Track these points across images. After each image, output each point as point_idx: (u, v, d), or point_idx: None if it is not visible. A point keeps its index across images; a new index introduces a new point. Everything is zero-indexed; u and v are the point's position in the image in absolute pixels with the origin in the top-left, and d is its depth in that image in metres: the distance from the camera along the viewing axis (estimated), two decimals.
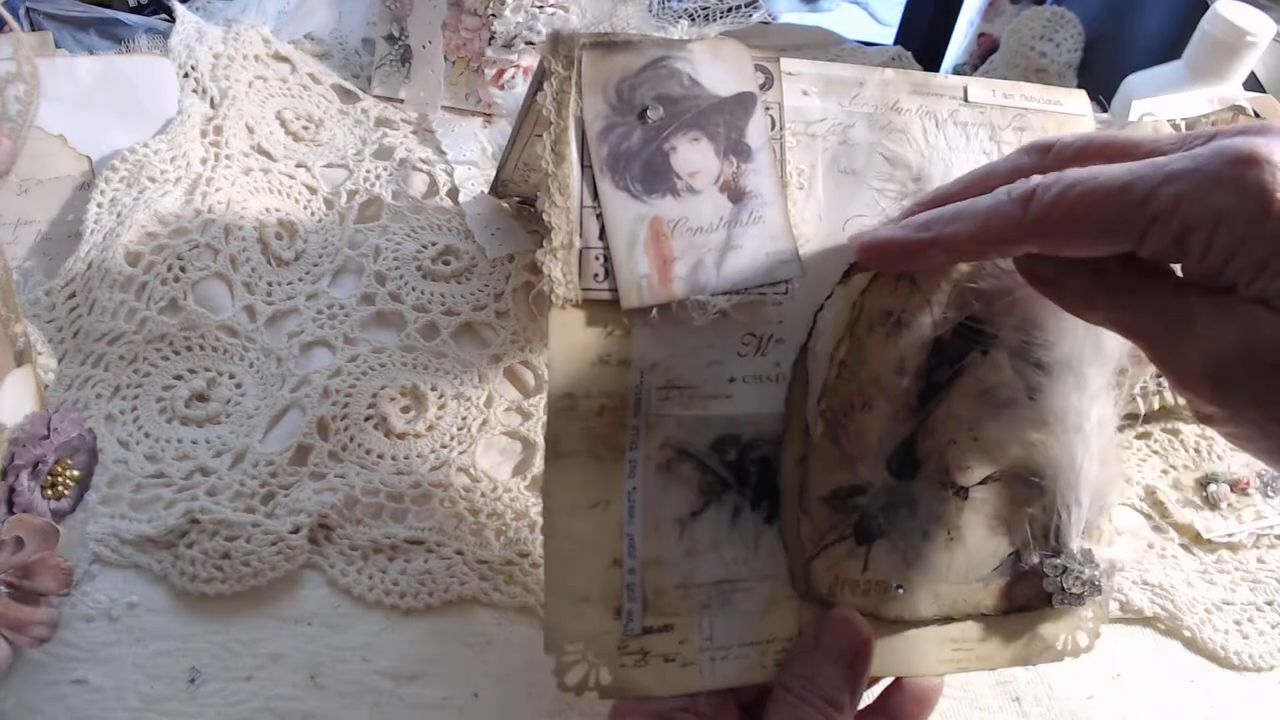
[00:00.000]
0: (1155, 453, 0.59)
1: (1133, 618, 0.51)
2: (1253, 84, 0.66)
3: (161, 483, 0.47)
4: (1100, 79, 0.69)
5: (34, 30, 0.66)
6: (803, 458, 0.37)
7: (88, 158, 0.58)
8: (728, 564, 0.37)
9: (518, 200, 0.60)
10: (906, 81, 0.41)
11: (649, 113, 0.36)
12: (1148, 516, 0.55)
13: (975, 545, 0.39)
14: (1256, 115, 0.56)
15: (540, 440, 0.51)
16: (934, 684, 0.39)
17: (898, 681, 0.39)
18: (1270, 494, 0.57)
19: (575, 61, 0.36)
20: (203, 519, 0.44)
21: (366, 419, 0.50)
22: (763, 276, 0.37)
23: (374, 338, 0.54)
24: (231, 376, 0.51)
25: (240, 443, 0.48)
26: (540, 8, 0.67)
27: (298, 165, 0.63)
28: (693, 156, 0.37)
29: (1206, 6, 0.62)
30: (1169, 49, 0.70)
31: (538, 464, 0.51)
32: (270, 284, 0.55)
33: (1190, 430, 0.60)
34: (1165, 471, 0.58)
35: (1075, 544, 0.39)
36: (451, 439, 0.51)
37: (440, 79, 0.69)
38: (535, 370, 0.55)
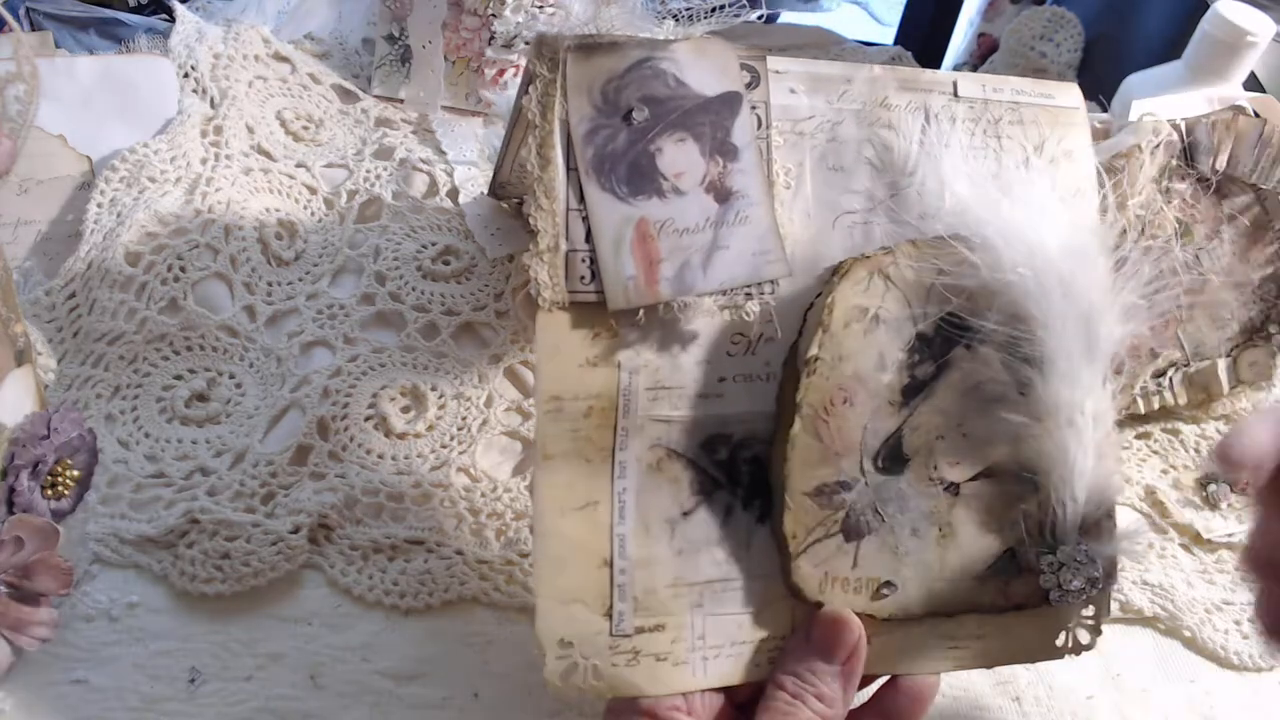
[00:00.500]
0: (1155, 453, 0.59)
1: (1133, 618, 0.51)
2: (1253, 84, 0.66)
3: (161, 483, 0.47)
4: (1100, 79, 0.69)
5: (34, 30, 0.66)
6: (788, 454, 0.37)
7: (88, 158, 0.58)
8: (720, 563, 0.37)
9: (517, 201, 0.61)
10: (895, 78, 0.41)
11: (634, 114, 0.36)
12: (1148, 516, 0.55)
13: (968, 542, 0.39)
14: (1256, 115, 0.56)
15: None
16: (929, 682, 0.39)
17: (893, 680, 0.39)
18: None
19: (560, 64, 0.36)
20: (203, 519, 0.44)
21: (366, 419, 0.50)
22: (750, 276, 0.37)
23: (374, 338, 0.54)
24: (231, 376, 0.51)
25: (240, 443, 0.49)
26: (540, 8, 0.67)
27: (298, 165, 0.63)
28: (678, 157, 0.37)
29: (1206, 6, 0.61)
30: (1169, 49, 0.70)
31: None
32: (270, 284, 0.56)
33: (1190, 430, 0.60)
34: (1165, 471, 0.58)
35: (1072, 541, 0.39)
36: (451, 439, 0.51)
37: (440, 79, 0.69)
38: (534, 370, 0.55)
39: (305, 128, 0.65)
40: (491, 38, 0.68)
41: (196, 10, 0.71)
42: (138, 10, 0.72)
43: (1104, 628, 0.41)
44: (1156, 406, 0.59)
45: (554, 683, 0.35)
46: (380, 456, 0.49)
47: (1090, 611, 0.41)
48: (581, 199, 0.36)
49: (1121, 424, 0.58)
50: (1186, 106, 0.61)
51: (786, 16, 0.90)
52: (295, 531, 0.45)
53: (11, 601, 0.39)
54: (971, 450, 0.39)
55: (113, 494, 0.46)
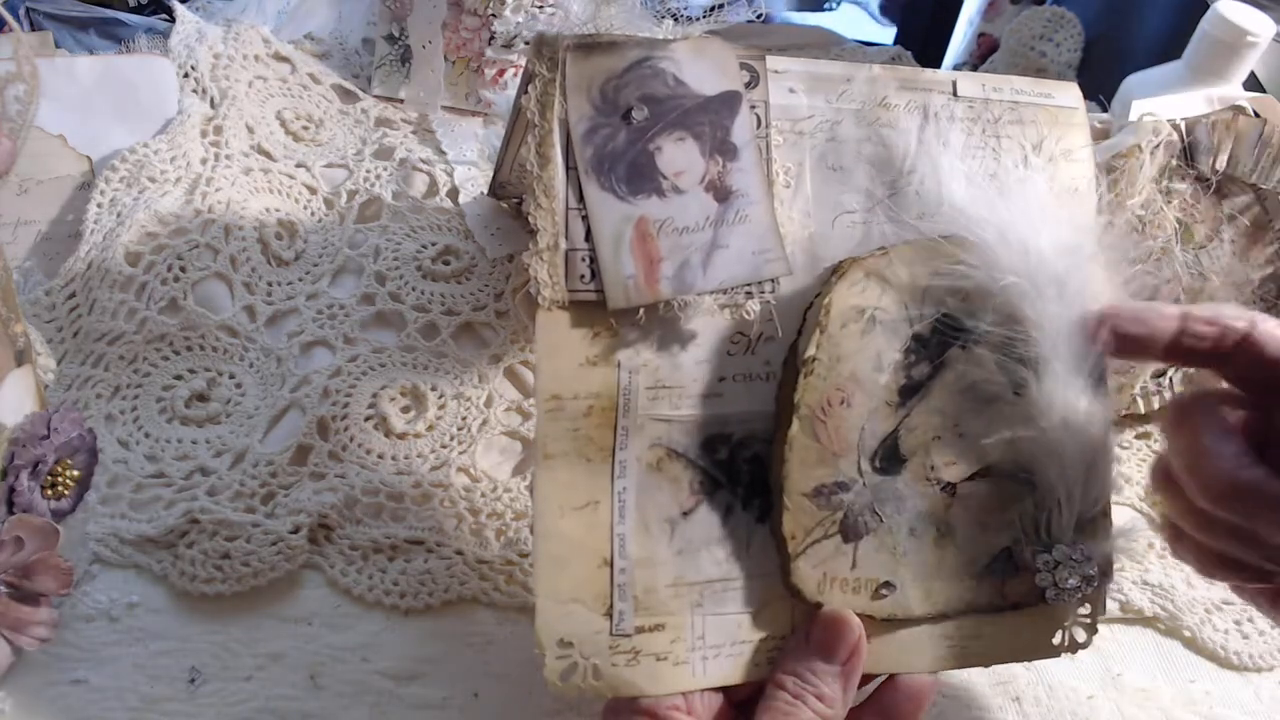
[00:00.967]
0: (1155, 453, 0.59)
1: (1133, 618, 0.51)
2: (1253, 84, 0.66)
3: (161, 483, 0.47)
4: (1100, 79, 0.69)
5: (34, 30, 0.66)
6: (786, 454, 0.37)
7: (88, 158, 0.58)
8: (720, 563, 0.37)
9: (516, 201, 0.61)
10: (894, 77, 0.41)
11: (634, 113, 0.36)
12: (1148, 516, 0.55)
13: (966, 542, 0.39)
14: (1256, 115, 0.56)
15: None
16: (928, 682, 0.39)
17: (891, 679, 0.39)
18: None
19: (560, 63, 0.36)
20: (203, 519, 0.44)
21: (366, 419, 0.50)
22: (750, 275, 0.37)
23: (374, 338, 0.54)
24: (231, 376, 0.51)
25: (240, 443, 0.49)
26: (540, 8, 0.67)
27: (298, 165, 0.63)
28: (678, 156, 0.37)
29: (1206, 6, 0.61)
30: (1169, 49, 0.69)
31: None
32: (270, 284, 0.56)
33: None
34: None
35: (1068, 539, 0.39)
36: (451, 439, 0.51)
37: (440, 79, 0.69)
38: (534, 370, 0.55)
39: (305, 128, 0.65)
40: (491, 38, 0.68)
41: (196, 10, 0.71)
42: (138, 10, 0.72)
43: (1104, 628, 0.41)
44: (1156, 406, 0.59)
45: (554, 682, 0.35)
46: (380, 456, 0.49)
47: (1086, 610, 0.41)
48: (581, 198, 0.36)
49: (1121, 424, 0.58)
50: (1186, 106, 0.61)
51: (787, 17, 0.90)
52: (295, 531, 0.45)
53: (11, 601, 0.39)
54: (968, 450, 0.39)
55: (113, 494, 0.46)
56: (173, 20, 0.67)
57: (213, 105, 0.63)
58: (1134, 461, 0.58)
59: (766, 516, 0.38)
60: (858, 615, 0.37)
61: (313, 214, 0.60)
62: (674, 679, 0.36)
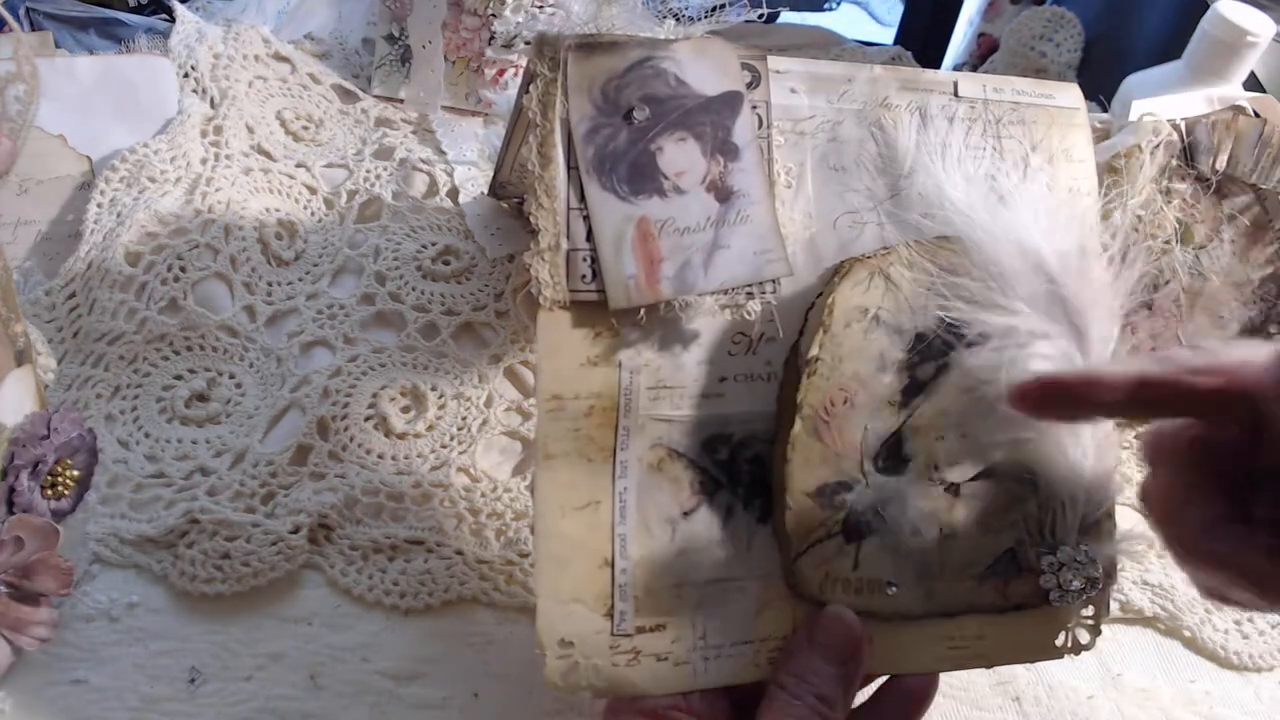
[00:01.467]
0: None
1: (1133, 618, 0.51)
2: (1253, 84, 0.66)
3: (161, 483, 0.47)
4: (1100, 79, 0.69)
5: (34, 30, 0.66)
6: (789, 454, 0.37)
7: (88, 158, 0.58)
8: (721, 563, 0.37)
9: (517, 201, 0.60)
10: (895, 78, 0.41)
11: (635, 113, 0.36)
12: (1147, 517, 0.55)
13: (969, 542, 0.39)
14: (1256, 115, 0.56)
15: None
16: (929, 682, 0.39)
17: (892, 679, 0.39)
18: None
19: (561, 63, 0.36)
20: (203, 519, 0.44)
21: (366, 419, 0.50)
22: (751, 275, 0.37)
23: (374, 338, 0.54)
24: (231, 376, 0.51)
25: (240, 443, 0.49)
26: (540, 7, 0.67)
27: (298, 165, 0.63)
28: (679, 156, 0.37)
29: (1206, 6, 0.61)
30: (1169, 49, 0.69)
31: None
32: (270, 284, 0.56)
33: None
34: None
35: (1072, 541, 0.39)
36: (451, 439, 0.51)
37: (440, 79, 0.69)
38: (534, 370, 0.55)
39: (305, 128, 0.65)
40: (491, 38, 0.68)
41: (196, 10, 0.71)
42: (138, 10, 0.72)
43: (1104, 628, 0.41)
44: None
45: (554, 682, 0.35)
46: (380, 456, 0.49)
47: (1090, 611, 0.41)
48: (582, 198, 0.36)
49: (1122, 424, 0.58)
50: (1186, 106, 0.61)
51: (787, 16, 0.90)
52: (295, 531, 0.45)
53: (11, 601, 0.39)
54: (971, 451, 0.39)
55: (113, 494, 0.46)
56: (173, 20, 0.67)
57: (213, 105, 0.63)
58: (1134, 462, 0.58)
59: (767, 517, 0.38)
60: (860, 615, 0.37)
61: (313, 214, 0.60)
62: (675, 679, 0.36)
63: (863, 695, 0.38)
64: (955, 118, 0.41)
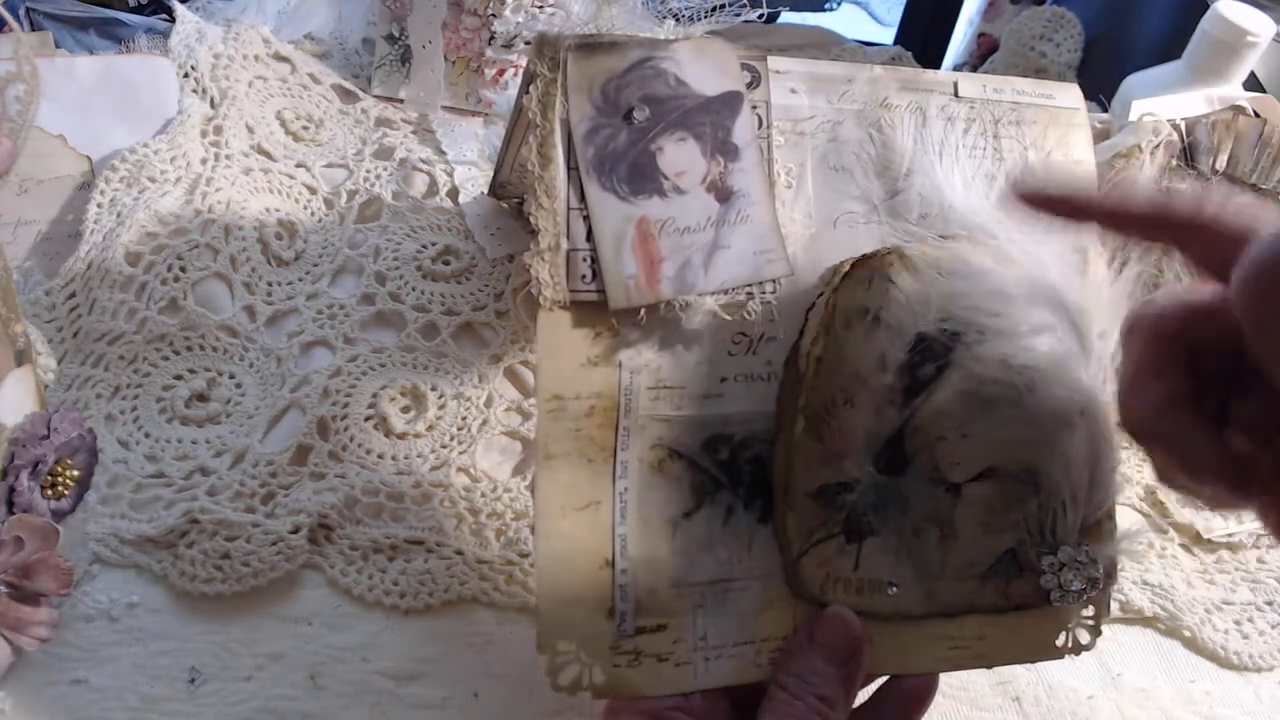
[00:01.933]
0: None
1: (1133, 618, 0.51)
2: (1253, 84, 0.66)
3: (161, 483, 0.47)
4: (1100, 79, 0.69)
5: (34, 30, 0.66)
6: (790, 455, 0.37)
7: (88, 158, 0.58)
8: (721, 564, 0.37)
9: (517, 201, 0.60)
10: (895, 78, 0.41)
11: (635, 113, 0.36)
12: (1148, 516, 0.55)
13: (970, 542, 0.39)
14: (1256, 115, 0.56)
15: None
16: (929, 682, 0.39)
17: (892, 679, 0.39)
18: None
19: (561, 63, 0.36)
20: (203, 519, 0.44)
21: (366, 419, 0.50)
22: (751, 275, 0.37)
23: (374, 338, 0.54)
24: (231, 376, 0.51)
25: (240, 443, 0.49)
26: (540, 7, 0.67)
27: (298, 165, 0.63)
28: (679, 157, 0.37)
29: (1206, 6, 0.62)
30: (1169, 49, 0.70)
31: None
32: (270, 284, 0.56)
33: None
34: None
35: (1073, 541, 0.39)
36: (451, 439, 0.51)
37: (440, 79, 0.69)
38: (534, 370, 0.55)
39: (305, 128, 0.65)
40: (491, 38, 0.68)
41: (196, 10, 0.71)
42: (138, 10, 0.72)
43: (1104, 628, 0.41)
44: None
45: (555, 683, 0.35)
46: (380, 456, 0.49)
47: (1090, 612, 0.41)
48: (582, 198, 0.36)
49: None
50: (1186, 106, 0.61)
51: (787, 16, 0.90)
52: (295, 531, 0.45)
53: (11, 601, 0.39)
54: (972, 451, 0.39)
55: (113, 494, 0.46)
56: (173, 20, 0.67)
57: (213, 105, 0.62)
58: (1134, 462, 0.58)
59: (768, 517, 0.38)
60: (860, 615, 0.37)
61: (313, 214, 0.60)
62: (675, 680, 0.36)
63: (863, 695, 0.38)
64: (955, 118, 0.41)
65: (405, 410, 0.51)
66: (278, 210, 0.59)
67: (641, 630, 0.36)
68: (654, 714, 0.35)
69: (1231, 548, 0.54)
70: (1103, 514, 0.40)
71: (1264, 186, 0.56)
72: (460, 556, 0.46)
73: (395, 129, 0.68)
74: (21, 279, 0.53)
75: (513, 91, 0.68)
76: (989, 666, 0.41)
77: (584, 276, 0.36)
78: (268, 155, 0.62)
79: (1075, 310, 0.38)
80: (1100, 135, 0.58)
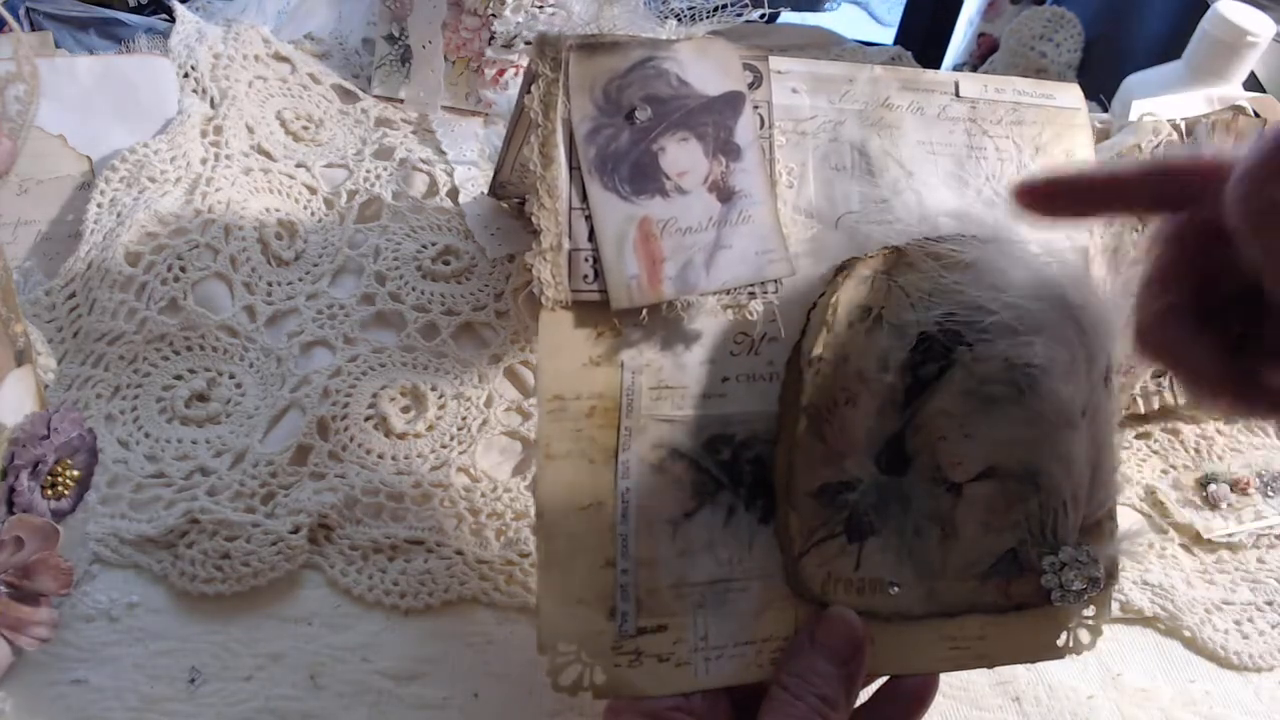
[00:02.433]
0: (1155, 453, 0.59)
1: (1133, 618, 0.51)
2: (1253, 84, 0.66)
3: (161, 483, 0.47)
4: (1100, 79, 0.69)
5: (34, 30, 0.66)
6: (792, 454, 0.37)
7: (88, 158, 0.58)
8: (722, 564, 0.37)
9: (517, 201, 0.60)
10: (896, 78, 0.41)
11: (637, 113, 0.36)
12: (1148, 516, 0.55)
13: (971, 542, 0.39)
14: (1256, 115, 0.56)
15: None
16: (929, 682, 0.39)
17: (893, 680, 0.39)
18: (1270, 494, 0.57)
19: (562, 63, 0.36)
20: (203, 519, 0.44)
21: (366, 419, 0.50)
22: (753, 275, 0.37)
23: (374, 338, 0.54)
24: (231, 376, 0.51)
25: (240, 443, 0.49)
26: (540, 8, 0.67)
27: (298, 165, 0.63)
28: (681, 157, 0.37)
29: (1206, 6, 0.62)
30: (1169, 49, 0.70)
31: None
32: (270, 284, 0.55)
33: (1190, 430, 0.60)
34: (1165, 471, 0.58)
35: (1074, 541, 0.39)
36: (451, 439, 0.51)
37: (440, 79, 0.69)
38: (535, 370, 0.55)
39: (305, 128, 0.65)
40: (491, 38, 0.68)
41: (196, 10, 0.71)
42: (138, 10, 0.72)
43: (1104, 627, 0.41)
44: (1156, 406, 0.59)
45: (556, 683, 0.35)
46: (380, 456, 0.49)
47: (1091, 611, 0.41)
48: (584, 198, 0.36)
49: (1121, 424, 0.58)
50: (1186, 106, 0.61)
51: (787, 16, 0.91)
52: (295, 531, 0.45)
53: (11, 601, 0.39)
54: (974, 451, 0.39)
55: (113, 494, 0.46)
56: (173, 20, 0.67)
57: (213, 105, 0.62)
58: (1134, 462, 0.58)
59: (769, 517, 0.38)
60: (861, 614, 0.37)
61: (313, 214, 0.60)
62: (676, 680, 0.36)
63: (863, 695, 0.38)
64: (956, 118, 0.41)
65: (405, 410, 0.51)
66: (278, 210, 0.59)
67: (642, 630, 0.36)
68: (655, 714, 0.35)
69: (1231, 548, 0.54)
70: (1104, 514, 0.40)
71: None
72: (460, 556, 0.46)
73: (395, 129, 0.68)
74: (21, 279, 0.53)
75: (513, 91, 0.68)
76: (990, 666, 0.41)
77: (586, 276, 0.36)
78: (268, 155, 0.62)
79: (1077, 309, 0.38)
80: (1100, 135, 0.58)
